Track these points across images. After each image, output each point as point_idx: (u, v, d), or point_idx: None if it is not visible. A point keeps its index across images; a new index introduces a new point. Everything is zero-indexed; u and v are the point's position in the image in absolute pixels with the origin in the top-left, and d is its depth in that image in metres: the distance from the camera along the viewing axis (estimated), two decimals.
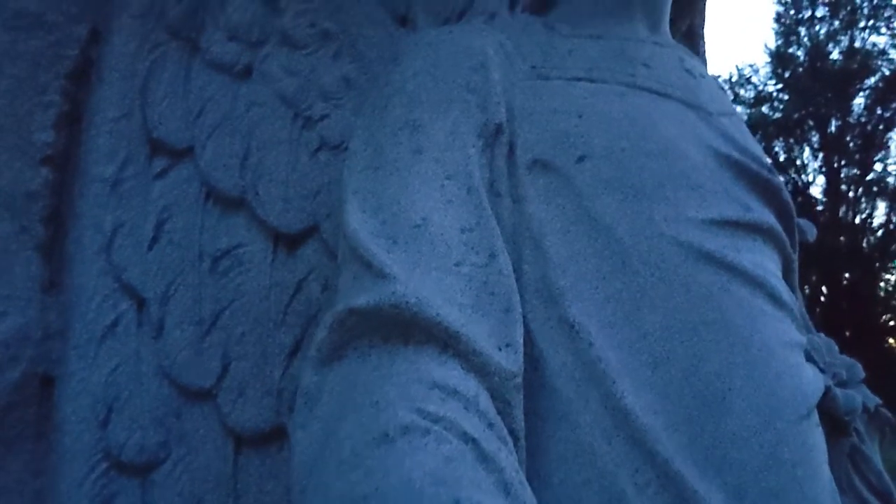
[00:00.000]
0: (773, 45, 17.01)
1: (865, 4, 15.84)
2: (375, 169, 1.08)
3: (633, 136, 1.11)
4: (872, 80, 16.87)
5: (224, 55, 1.28)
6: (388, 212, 1.02)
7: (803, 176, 18.23)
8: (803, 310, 1.42)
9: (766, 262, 1.12)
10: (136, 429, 1.16)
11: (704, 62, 1.76)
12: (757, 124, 16.96)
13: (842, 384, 1.36)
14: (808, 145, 17.50)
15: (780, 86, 17.11)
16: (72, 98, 1.16)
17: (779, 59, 16.56)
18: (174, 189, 1.24)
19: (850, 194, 17.97)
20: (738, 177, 1.15)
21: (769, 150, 17.94)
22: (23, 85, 1.11)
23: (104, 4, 1.19)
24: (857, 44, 16.34)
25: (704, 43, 1.66)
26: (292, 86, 1.30)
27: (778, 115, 16.87)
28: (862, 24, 15.94)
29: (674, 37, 1.44)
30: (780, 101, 16.99)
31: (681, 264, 1.05)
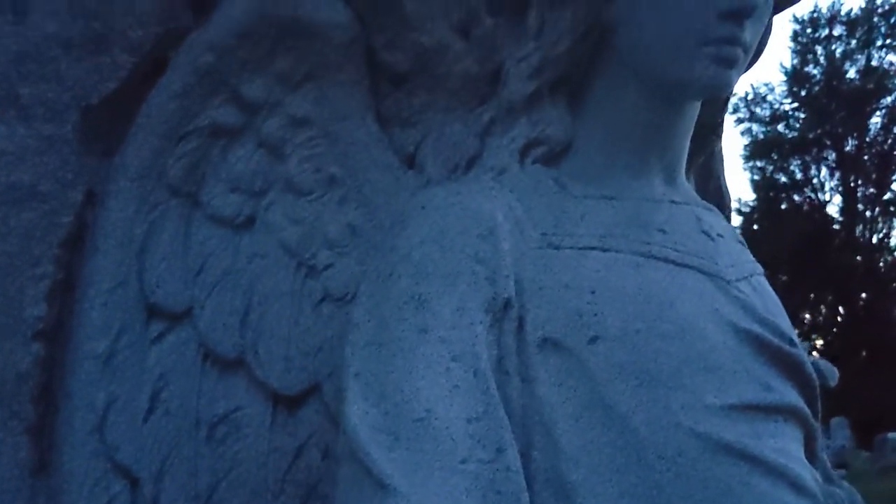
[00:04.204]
0: (789, 64, 16.86)
1: (882, 24, 15.70)
2: (379, 346, 1.05)
3: (649, 315, 1.07)
4: (889, 99, 16.73)
5: (225, 207, 1.23)
6: (391, 402, 1.00)
7: (819, 195, 18.10)
8: (824, 456, 1.37)
9: (787, 445, 1.08)
10: None
11: (721, 174, 1.71)
12: (773, 143, 16.86)
13: None
14: (825, 164, 17.37)
15: (796, 104, 16.99)
16: (66, 265, 1.11)
17: (795, 77, 16.45)
18: (171, 354, 1.19)
19: (867, 213, 17.83)
20: (759, 352, 1.11)
21: (785, 170, 17.85)
22: (14, 261, 1.06)
23: (100, 165, 1.14)
24: (874, 63, 16.21)
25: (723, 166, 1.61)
26: (296, 234, 1.25)
27: (794, 133, 16.75)
28: (879, 43, 15.81)
29: (689, 171, 1.39)
30: (797, 119, 16.87)
31: (699, 458, 1.01)
